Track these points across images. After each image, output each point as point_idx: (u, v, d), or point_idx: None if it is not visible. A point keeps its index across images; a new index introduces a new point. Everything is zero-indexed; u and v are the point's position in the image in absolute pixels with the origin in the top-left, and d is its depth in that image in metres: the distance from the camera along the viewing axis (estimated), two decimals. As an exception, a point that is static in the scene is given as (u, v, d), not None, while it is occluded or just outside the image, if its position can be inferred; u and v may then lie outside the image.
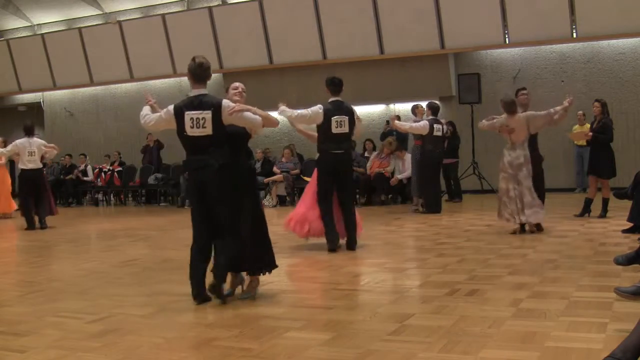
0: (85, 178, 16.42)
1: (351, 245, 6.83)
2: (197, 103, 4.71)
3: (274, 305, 4.42)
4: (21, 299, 4.87)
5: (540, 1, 13.04)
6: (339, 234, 6.82)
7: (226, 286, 4.65)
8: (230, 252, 4.51)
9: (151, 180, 15.36)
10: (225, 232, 4.52)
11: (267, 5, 15.21)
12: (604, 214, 8.73)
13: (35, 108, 19.88)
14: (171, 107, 4.88)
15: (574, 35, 13.21)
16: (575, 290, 4.47)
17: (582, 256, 5.93)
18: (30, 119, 12.20)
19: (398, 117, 14.44)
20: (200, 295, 4.51)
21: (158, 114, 5.17)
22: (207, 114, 4.65)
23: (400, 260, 6.35)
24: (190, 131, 4.78)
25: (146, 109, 5.31)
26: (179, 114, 4.82)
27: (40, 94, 19.49)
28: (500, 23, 13.48)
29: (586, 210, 8.90)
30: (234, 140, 4.73)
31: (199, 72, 4.73)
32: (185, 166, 5.00)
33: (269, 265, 4.76)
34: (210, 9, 16.02)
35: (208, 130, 4.66)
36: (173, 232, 9.28)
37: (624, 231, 7.22)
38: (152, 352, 3.44)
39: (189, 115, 4.75)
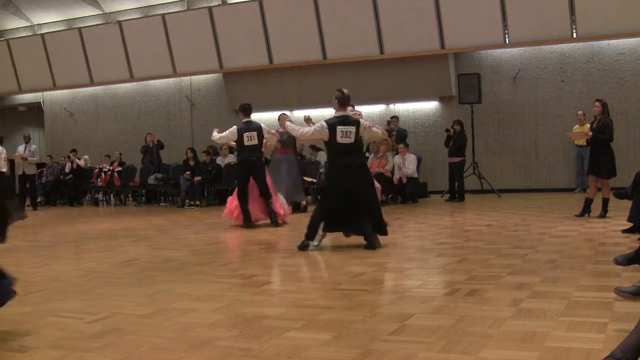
0: (78, 161, 16.38)
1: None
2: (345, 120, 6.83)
3: (274, 305, 4.43)
4: (21, 299, 4.86)
5: (540, 1, 13.04)
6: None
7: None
8: None
9: (151, 180, 15.37)
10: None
11: (267, 5, 15.21)
12: (604, 214, 8.73)
13: (35, 108, 19.89)
14: (325, 123, 6.87)
15: (574, 35, 13.21)
16: (575, 290, 4.47)
17: (582, 256, 5.93)
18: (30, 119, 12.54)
19: (397, 118, 14.47)
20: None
21: (313, 127, 7.09)
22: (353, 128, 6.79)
23: (400, 260, 6.35)
24: (341, 140, 6.77)
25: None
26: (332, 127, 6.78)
27: (40, 94, 19.50)
28: (500, 23, 13.47)
29: (586, 210, 8.90)
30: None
31: (346, 100, 6.89)
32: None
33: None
34: (210, 9, 16.02)
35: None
36: (173, 232, 9.28)
37: (624, 231, 7.22)
38: (152, 352, 3.44)
39: (340, 129, 6.76)
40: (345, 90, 6.96)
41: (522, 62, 14.08)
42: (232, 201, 9.65)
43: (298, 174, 11.33)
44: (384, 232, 6.96)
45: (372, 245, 6.76)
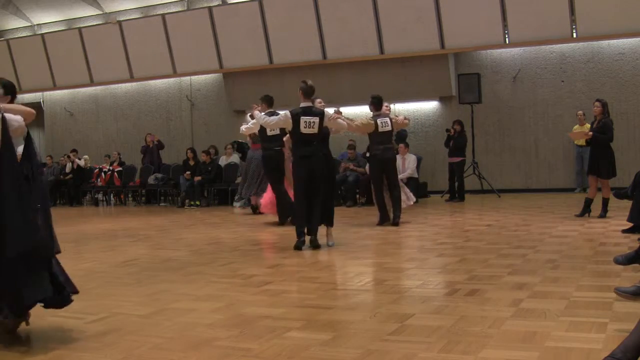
0: (78, 161, 16.33)
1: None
2: (308, 111, 6.95)
3: (274, 305, 4.42)
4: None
5: (540, 1, 13.04)
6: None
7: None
8: None
9: (151, 180, 15.37)
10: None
11: (267, 5, 15.21)
12: (604, 214, 8.73)
13: (35, 108, 19.83)
14: (288, 112, 7.03)
15: (574, 35, 13.21)
16: (575, 290, 4.47)
17: (582, 256, 5.93)
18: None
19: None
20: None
21: (277, 116, 7.35)
22: (316, 119, 6.95)
23: (400, 260, 6.36)
24: (304, 130, 6.92)
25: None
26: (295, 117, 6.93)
27: (40, 94, 19.50)
28: (500, 23, 13.47)
29: (586, 210, 8.89)
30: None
31: (310, 91, 7.00)
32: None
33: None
34: (210, 9, 16.02)
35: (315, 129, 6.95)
36: (173, 232, 9.28)
37: (624, 231, 7.22)
38: (152, 352, 3.44)
39: (304, 119, 6.90)
40: (309, 82, 7.12)
41: (522, 62, 14.08)
42: (268, 195, 9.78)
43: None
44: (330, 223, 7.21)
45: (313, 242, 6.94)
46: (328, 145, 7.54)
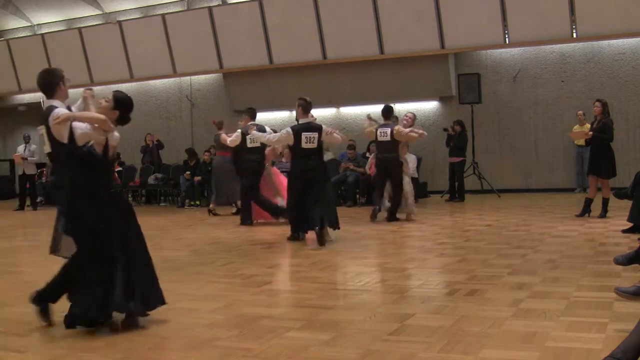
0: None
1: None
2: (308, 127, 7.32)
3: (274, 305, 4.43)
4: (21, 299, 4.86)
5: (540, 1, 13.03)
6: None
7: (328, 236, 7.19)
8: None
9: (151, 180, 15.36)
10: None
11: (267, 5, 15.20)
12: (604, 214, 8.73)
13: (35, 108, 19.84)
14: (290, 129, 7.39)
15: (574, 35, 13.20)
16: (575, 290, 4.48)
17: (582, 256, 5.93)
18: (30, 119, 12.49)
19: (396, 118, 14.44)
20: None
21: (279, 133, 7.70)
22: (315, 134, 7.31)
23: (400, 260, 6.36)
24: (305, 145, 7.26)
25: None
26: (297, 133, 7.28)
27: (40, 93, 19.27)
28: (500, 23, 13.46)
29: (586, 210, 8.90)
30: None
31: (309, 107, 7.39)
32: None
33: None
34: (210, 9, 16.01)
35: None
36: (173, 232, 9.28)
37: (624, 231, 7.22)
38: (152, 352, 3.44)
39: (304, 135, 7.25)
40: (308, 98, 7.48)
41: (522, 62, 14.07)
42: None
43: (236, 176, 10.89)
44: (336, 226, 7.39)
45: (320, 241, 7.12)
46: (323, 157, 7.82)
